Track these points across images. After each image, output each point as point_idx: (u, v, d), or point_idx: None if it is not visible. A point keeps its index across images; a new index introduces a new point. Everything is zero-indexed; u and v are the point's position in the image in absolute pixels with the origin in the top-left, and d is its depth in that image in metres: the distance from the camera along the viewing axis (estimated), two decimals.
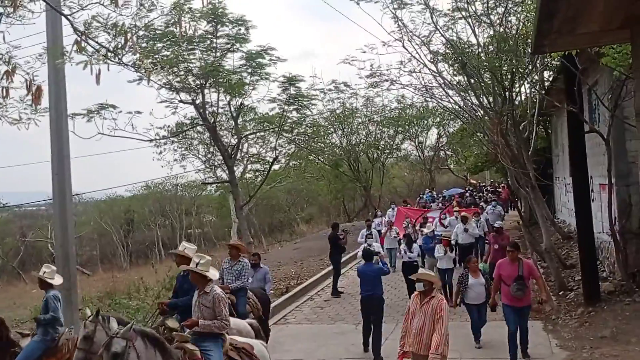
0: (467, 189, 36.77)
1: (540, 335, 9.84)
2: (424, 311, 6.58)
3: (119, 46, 4.57)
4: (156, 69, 12.39)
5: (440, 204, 26.49)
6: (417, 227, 16.99)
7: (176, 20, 11.29)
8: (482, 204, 24.18)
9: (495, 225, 13.97)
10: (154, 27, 12.02)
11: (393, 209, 22.24)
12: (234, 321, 7.00)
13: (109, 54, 4.66)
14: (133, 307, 10.24)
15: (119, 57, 4.65)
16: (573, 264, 13.72)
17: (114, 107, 13.19)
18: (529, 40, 12.88)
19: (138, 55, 6.45)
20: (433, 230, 14.65)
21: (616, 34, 4.47)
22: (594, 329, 9.48)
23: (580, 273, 11.68)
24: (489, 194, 31.52)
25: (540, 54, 9.56)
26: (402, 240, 15.39)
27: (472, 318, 9.67)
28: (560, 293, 11.82)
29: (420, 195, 32.76)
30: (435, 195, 30.97)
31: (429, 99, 19.41)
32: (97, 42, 5.03)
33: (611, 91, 10.60)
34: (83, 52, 4.37)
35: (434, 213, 19.98)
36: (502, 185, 35.52)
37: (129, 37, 4.57)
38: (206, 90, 14.41)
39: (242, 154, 29.00)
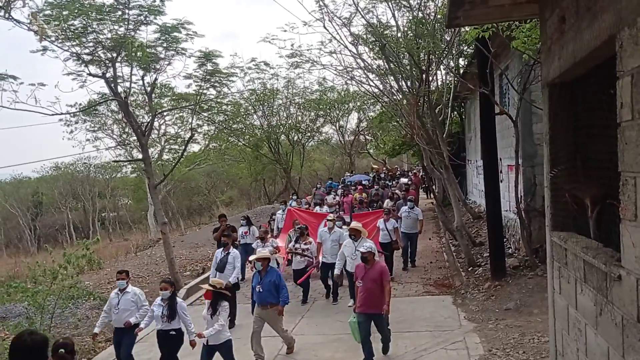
0: (371, 174, 33.68)
1: (450, 309, 10.21)
2: None
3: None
4: (61, 35, 11.59)
5: (337, 197, 20.93)
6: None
7: None
8: (387, 200, 17.81)
9: (361, 249, 8.20)
10: None
11: (283, 210, 16.53)
12: None
13: None
14: (31, 290, 9.59)
15: (7, 11, 4.18)
16: (482, 241, 14.34)
17: (14, 77, 12.28)
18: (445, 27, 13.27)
19: (30, 11, 5.90)
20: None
21: (526, 8, 4.59)
22: (500, 302, 9.94)
23: (488, 250, 12.21)
24: (391, 182, 27.33)
25: (454, 27, 9.69)
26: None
27: None
28: (469, 269, 12.32)
29: (317, 186, 27.17)
30: (332, 183, 26.77)
31: (350, 82, 19.63)
32: None
33: (520, 75, 11.05)
34: None
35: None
36: (414, 171, 35.85)
37: None
38: (118, 64, 13.71)
39: (160, 135, 28.20)
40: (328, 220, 12.11)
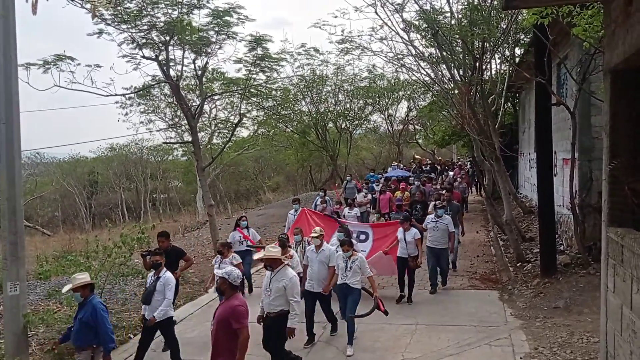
0: (413, 165, 31.09)
1: (496, 305, 9.95)
2: None
3: None
4: (114, 14, 11.88)
5: (367, 194, 18.39)
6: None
7: None
8: (432, 203, 13.70)
9: (226, 266, 7.33)
10: None
11: (296, 210, 13.93)
12: None
13: None
14: (85, 265, 9.92)
15: None
16: (532, 237, 13.89)
17: (72, 58, 12.71)
18: (501, 14, 12.80)
19: None
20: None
21: None
22: (549, 300, 9.60)
23: (538, 246, 11.80)
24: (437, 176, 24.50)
25: (511, 9, 9.23)
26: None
27: None
28: (517, 264, 11.96)
29: (347, 178, 22.86)
30: (373, 176, 24.04)
31: (400, 70, 19.28)
32: None
33: (580, 64, 10.58)
34: None
35: (355, 226, 12.01)
36: (459, 163, 34.62)
37: None
38: (170, 47, 13.96)
39: (210, 119, 28.69)
40: (313, 236, 8.99)
